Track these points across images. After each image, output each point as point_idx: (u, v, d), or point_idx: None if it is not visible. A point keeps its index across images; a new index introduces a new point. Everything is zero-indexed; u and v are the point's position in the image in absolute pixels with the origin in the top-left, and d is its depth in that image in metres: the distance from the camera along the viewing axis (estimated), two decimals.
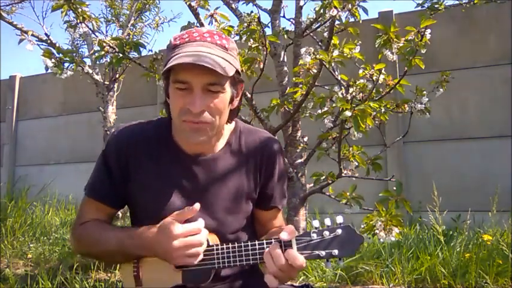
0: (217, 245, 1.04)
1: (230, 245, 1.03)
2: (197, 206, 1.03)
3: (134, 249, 1.05)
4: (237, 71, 1.06)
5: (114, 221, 1.25)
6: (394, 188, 1.79)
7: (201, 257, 1.01)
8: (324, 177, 2.39)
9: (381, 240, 1.64)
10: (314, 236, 0.97)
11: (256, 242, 1.01)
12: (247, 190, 1.15)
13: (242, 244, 1.02)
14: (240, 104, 1.18)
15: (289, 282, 1.11)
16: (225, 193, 1.13)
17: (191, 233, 1.00)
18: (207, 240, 1.04)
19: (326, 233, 0.97)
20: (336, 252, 0.96)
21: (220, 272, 1.08)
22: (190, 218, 1.03)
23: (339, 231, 0.97)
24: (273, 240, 0.99)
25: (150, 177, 1.11)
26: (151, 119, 1.19)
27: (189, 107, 1.00)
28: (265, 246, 1.00)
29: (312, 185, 2.52)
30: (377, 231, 1.64)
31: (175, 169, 1.11)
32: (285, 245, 0.98)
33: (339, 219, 0.98)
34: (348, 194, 2.27)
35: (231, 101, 1.09)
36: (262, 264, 1.02)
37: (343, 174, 2.32)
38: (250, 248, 1.01)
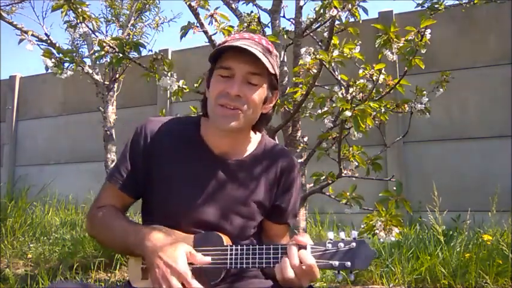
0: (231, 246, 1.05)
1: (244, 247, 1.04)
2: (208, 260, 1.03)
3: (133, 246, 1.06)
4: (275, 77, 1.13)
5: None
6: (394, 188, 1.79)
7: None
8: (324, 177, 2.39)
9: (381, 240, 1.64)
10: (329, 246, 1.00)
11: (271, 246, 1.02)
12: (262, 199, 1.17)
13: (257, 247, 1.03)
14: (272, 114, 1.22)
15: None
16: (242, 199, 1.14)
17: (186, 280, 0.98)
18: (222, 240, 1.06)
19: (341, 244, 0.99)
20: (348, 264, 0.98)
21: (230, 274, 1.09)
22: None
23: (354, 244, 0.99)
24: (289, 243, 1.00)
25: (172, 172, 1.12)
26: (181, 117, 1.24)
27: (228, 90, 1.06)
28: (280, 250, 1.02)
29: (312, 185, 2.52)
30: (377, 231, 1.64)
31: (198, 168, 1.13)
32: (300, 249, 0.99)
33: (354, 234, 1.00)
34: (348, 194, 2.27)
35: (265, 101, 1.13)
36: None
37: (343, 174, 2.31)
38: (264, 251, 1.02)
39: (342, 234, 1.01)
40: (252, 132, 1.20)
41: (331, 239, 1.00)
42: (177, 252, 1.00)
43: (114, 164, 1.19)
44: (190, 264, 1.01)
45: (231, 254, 1.04)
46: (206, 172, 1.13)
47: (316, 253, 0.99)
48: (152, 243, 1.02)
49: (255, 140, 1.21)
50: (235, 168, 1.15)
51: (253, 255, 1.03)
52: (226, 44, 1.08)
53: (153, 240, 1.03)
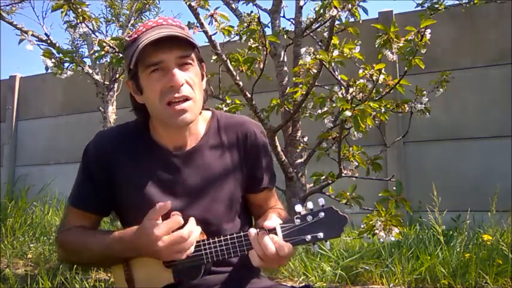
0: (203, 240, 1.04)
1: (216, 239, 1.03)
2: (168, 203, 1.00)
3: (121, 252, 1.04)
4: (198, 48, 1.08)
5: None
6: (394, 188, 1.79)
7: (191, 249, 1.00)
8: (324, 177, 2.39)
9: (381, 240, 1.65)
10: (298, 221, 0.98)
11: (242, 234, 1.01)
12: (235, 176, 1.14)
13: (228, 237, 1.02)
14: (209, 89, 1.19)
15: (289, 283, 1.11)
16: (209, 183, 1.12)
17: (172, 229, 0.98)
18: None
19: (309, 217, 0.98)
20: (321, 235, 0.96)
21: (210, 268, 1.08)
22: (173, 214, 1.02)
23: (322, 214, 0.97)
24: (257, 230, 0.99)
25: (132, 176, 1.10)
26: (127, 122, 1.19)
27: (170, 84, 1.01)
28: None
29: (312, 185, 2.52)
30: (377, 231, 1.64)
31: (156, 165, 1.11)
32: (270, 233, 0.98)
33: (321, 201, 0.98)
34: (348, 194, 2.27)
35: (202, 78, 1.10)
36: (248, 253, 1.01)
37: (343, 174, 2.32)
38: (236, 239, 1.01)
39: (310, 205, 0.99)
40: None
41: (299, 213, 0.98)
42: (144, 224, 0.99)
43: (73, 186, 1.16)
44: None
45: (205, 249, 1.03)
46: (167, 170, 1.11)
47: (287, 231, 0.97)
48: (134, 236, 1.00)
49: (204, 119, 1.17)
50: (192, 156, 1.12)
51: (226, 245, 1.02)
52: (141, 42, 1.00)
53: (133, 234, 1.01)
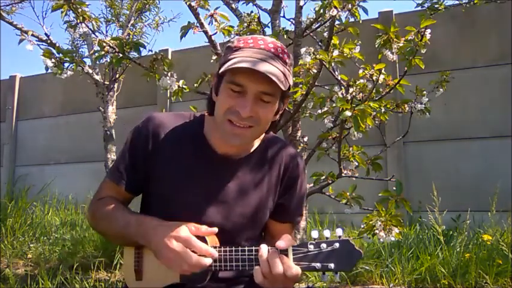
0: (215, 247, 1.03)
1: (228, 249, 1.02)
2: (215, 230, 1.02)
3: (135, 237, 1.05)
4: (289, 87, 1.07)
5: None
6: (394, 188, 1.79)
7: (185, 272, 0.99)
8: (324, 177, 2.39)
9: (381, 240, 1.65)
10: (311, 247, 0.96)
11: (253, 248, 1.00)
12: (266, 199, 1.15)
13: (239, 249, 1.01)
14: (281, 118, 1.18)
15: None
16: (244, 198, 1.13)
17: (195, 247, 0.98)
18: (206, 242, 1.04)
19: (323, 245, 0.96)
20: (332, 266, 0.95)
21: (218, 274, 1.08)
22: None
23: (337, 244, 0.95)
24: (269, 248, 0.98)
25: (173, 169, 1.11)
26: (183, 113, 1.19)
27: (239, 109, 1.01)
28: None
29: (312, 185, 2.52)
30: (377, 231, 1.64)
31: (200, 166, 1.12)
32: (281, 254, 0.96)
33: (339, 231, 0.97)
34: (348, 194, 2.27)
35: (276, 113, 1.10)
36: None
37: (343, 174, 2.32)
38: (247, 253, 1.00)
39: (327, 233, 0.97)
40: None
41: (314, 239, 0.97)
42: (181, 228, 1.00)
43: (115, 160, 1.17)
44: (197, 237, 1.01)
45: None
46: (208, 172, 1.12)
47: (298, 255, 0.96)
48: (155, 228, 1.02)
49: (258, 138, 1.17)
50: (237, 167, 1.13)
51: (236, 256, 1.01)
52: (237, 59, 1.00)
53: (155, 226, 1.03)
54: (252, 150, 1.16)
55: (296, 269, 0.95)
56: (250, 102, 1.00)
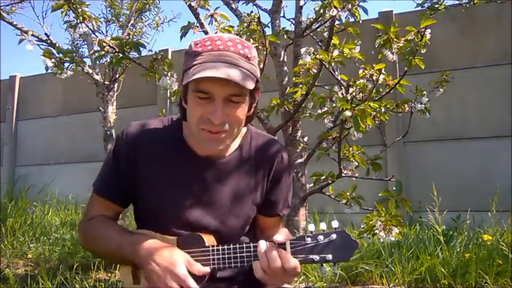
0: (213, 246, 1.04)
1: (226, 247, 1.02)
2: (207, 271, 1.01)
3: (129, 256, 1.05)
4: (257, 80, 1.05)
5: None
6: (394, 188, 1.79)
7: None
8: (324, 177, 2.39)
9: (381, 240, 1.64)
10: (308, 240, 0.97)
11: (251, 245, 1.01)
12: (253, 196, 1.15)
13: (237, 246, 1.02)
14: (255, 110, 1.17)
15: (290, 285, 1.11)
16: (232, 197, 1.12)
17: (186, 283, 0.97)
18: (204, 241, 1.04)
19: (320, 237, 0.97)
20: (329, 257, 0.96)
21: (217, 274, 1.08)
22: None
23: (334, 236, 0.97)
24: (267, 243, 0.98)
25: (158, 177, 1.10)
26: (162, 118, 1.18)
27: (210, 117, 0.99)
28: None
29: (312, 185, 2.52)
30: (377, 231, 1.64)
31: (184, 171, 1.11)
32: (280, 248, 0.97)
33: (335, 223, 0.98)
34: (348, 194, 2.27)
35: (249, 109, 1.09)
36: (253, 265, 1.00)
37: (343, 174, 2.32)
38: (245, 250, 1.01)
39: (323, 226, 0.98)
40: None
41: (311, 232, 0.98)
42: (174, 256, 1.00)
43: (98, 173, 1.17)
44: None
45: (213, 255, 1.03)
46: (192, 175, 1.11)
47: (296, 248, 0.97)
48: (146, 251, 1.02)
49: (240, 134, 1.16)
50: (221, 168, 1.12)
51: (234, 254, 1.01)
52: (199, 67, 0.97)
53: (146, 248, 1.02)
54: (233, 148, 1.15)
55: (294, 262, 0.95)
56: (220, 107, 0.99)
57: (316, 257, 0.96)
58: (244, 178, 1.14)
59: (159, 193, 1.10)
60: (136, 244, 1.04)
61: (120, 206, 1.17)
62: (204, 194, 1.11)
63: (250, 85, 0.99)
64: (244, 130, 1.18)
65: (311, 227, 0.99)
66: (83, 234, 1.18)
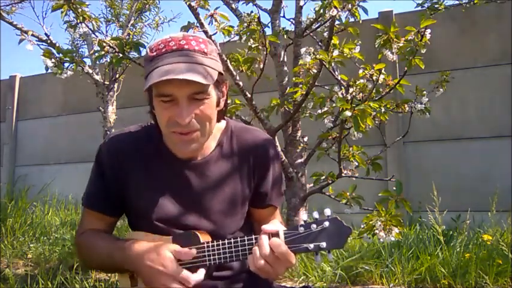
0: (207, 243, 1.04)
1: (220, 242, 1.02)
2: (194, 252, 1.02)
3: (121, 263, 1.05)
4: (219, 73, 1.04)
5: None
6: (394, 188, 1.79)
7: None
8: (324, 177, 2.39)
9: (381, 240, 1.64)
10: (301, 229, 0.97)
11: (246, 238, 1.01)
12: (242, 191, 1.14)
13: (232, 241, 1.02)
14: (227, 104, 1.16)
15: (289, 283, 1.11)
16: (219, 195, 1.12)
17: (182, 279, 0.98)
18: (199, 238, 1.04)
19: (313, 226, 0.96)
20: (323, 244, 0.95)
21: (213, 272, 1.08)
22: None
23: (326, 223, 0.96)
24: (261, 234, 0.98)
25: (142, 183, 1.10)
26: (141, 124, 1.18)
27: (177, 119, 0.99)
28: (253, 241, 1.00)
29: (312, 185, 2.52)
30: (377, 231, 1.64)
31: (167, 174, 1.11)
32: (273, 237, 0.97)
33: (327, 211, 0.97)
34: (348, 194, 2.27)
35: (218, 103, 1.07)
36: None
37: (343, 174, 2.32)
38: (240, 243, 1.01)
39: (316, 214, 0.98)
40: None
41: (304, 221, 0.98)
42: (162, 254, 0.99)
43: (86, 186, 1.18)
44: (179, 261, 1.01)
45: (208, 251, 1.03)
46: (177, 178, 1.10)
47: (289, 238, 0.96)
48: (136, 254, 1.02)
49: (218, 130, 1.15)
50: (202, 167, 1.11)
51: (229, 249, 1.01)
52: (155, 71, 0.97)
53: (136, 251, 1.02)
54: (213, 145, 1.14)
55: (285, 247, 0.94)
56: (184, 108, 0.98)
57: (310, 246, 0.96)
58: (229, 176, 1.13)
59: (146, 200, 1.10)
60: (125, 249, 1.04)
61: (111, 217, 1.16)
62: (191, 198, 1.10)
63: (210, 80, 0.98)
64: (223, 125, 1.17)
65: (304, 217, 0.99)
66: (78, 249, 1.18)
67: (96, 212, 1.14)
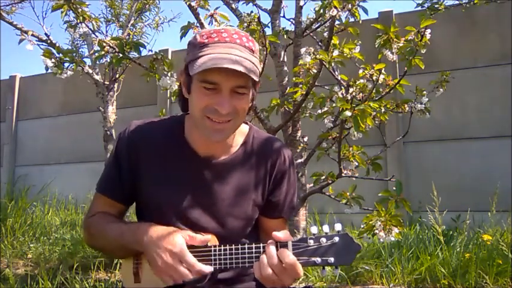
0: (215, 246, 1.03)
1: (228, 247, 1.02)
2: (208, 238, 1.03)
3: (131, 244, 1.05)
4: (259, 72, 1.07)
5: None
6: (394, 188, 1.79)
7: (176, 281, 1.00)
8: (324, 177, 2.39)
9: (381, 240, 1.64)
10: (311, 242, 0.96)
11: (253, 245, 1.00)
12: (255, 196, 1.14)
13: (240, 246, 1.01)
14: (254, 105, 1.17)
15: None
16: (233, 200, 1.12)
17: (187, 262, 0.99)
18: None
19: (323, 240, 0.96)
20: (331, 260, 0.95)
21: (217, 275, 1.06)
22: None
23: (336, 239, 0.95)
24: (269, 241, 0.98)
25: (159, 177, 1.11)
26: (164, 117, 1.19)
27: (217, 108, 1.01)
28: (261, 249, 0.99)
29: (312, 185, 2.52)
30: (377, 231, 1.64)
31: (185, 170, 1.11)
32: (281, 248, 0.96)
33: (337, 226, 0.96)
34: (348, 194, 2.27)
35: (251, 101, 1.10)
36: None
37: (343, 174, 2.31)
38: (247, 250, 1.00)
39: (326, 228, 0.97)
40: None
41: (313, 234, 0.97)
42: (175, 238, 1.00)
43: (102, 172, 1.19)
44: (192, 246, 1.01)
45: (214, 255, 1.02)
46: (193, 175, 1.11)
47: (298, 250, 0.96)
48: (149, 236, 1.02)
49: (241, 133, 1.16)
50: (222, 168, 1.12)
51: (236, 254, 1.01)
52: (208, 57, 0.98)
53: (149, 233, 1.03)
54: (235, 148, 1.15)
55: (293, 258, 0.94)
56: (227, 98, 1.01)
57: (318, 260, 0.95)
58: (246, 178, 1.14)
59: (159, 191, 1.10)
60: (137, 230, 1.05)
61: (122, 204, 1.17)
62: (203, 194, 1.11)
63: (255, 77, 1.01)
64: (246, 128, 1.18)
65: (314, 230, 0.98)
66: (87, 231, 1.18)
67: (108, 197, 1.15)
